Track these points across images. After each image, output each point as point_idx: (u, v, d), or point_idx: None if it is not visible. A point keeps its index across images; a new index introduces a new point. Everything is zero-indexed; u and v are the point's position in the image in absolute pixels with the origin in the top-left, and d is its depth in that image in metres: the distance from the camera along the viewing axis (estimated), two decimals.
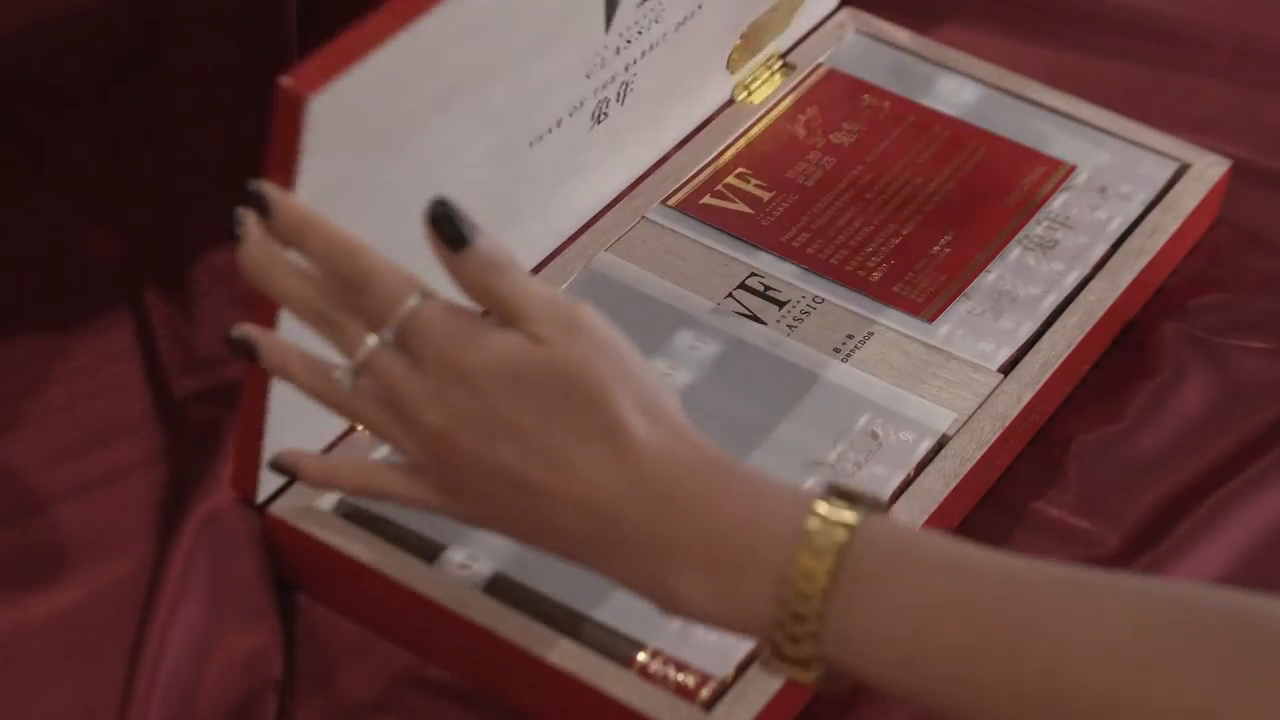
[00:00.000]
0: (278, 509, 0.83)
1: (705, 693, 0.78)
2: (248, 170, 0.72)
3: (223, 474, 0.85)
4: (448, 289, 0.68)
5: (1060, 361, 0.92)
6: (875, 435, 0.88)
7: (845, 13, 1.09)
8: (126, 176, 0.97)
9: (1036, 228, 0.98)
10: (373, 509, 0.83)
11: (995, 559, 0.63)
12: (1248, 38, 1.13)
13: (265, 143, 0.71)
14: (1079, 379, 0.95)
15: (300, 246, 0.69)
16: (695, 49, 0.98)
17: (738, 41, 1.02)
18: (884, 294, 0.94)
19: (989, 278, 0.96)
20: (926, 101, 1.05)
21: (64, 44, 0.95)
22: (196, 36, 0.96)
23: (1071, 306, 0.94)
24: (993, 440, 0.88)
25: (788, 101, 1.04)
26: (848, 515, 0.63)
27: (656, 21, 0.91)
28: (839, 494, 0.64)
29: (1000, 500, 0.90)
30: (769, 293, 0.94)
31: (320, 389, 0.70)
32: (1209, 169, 1.01)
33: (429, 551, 0.82)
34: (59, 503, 0.86)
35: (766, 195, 0.99)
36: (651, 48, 0.93)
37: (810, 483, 0.85)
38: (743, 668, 0.79)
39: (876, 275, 0.95)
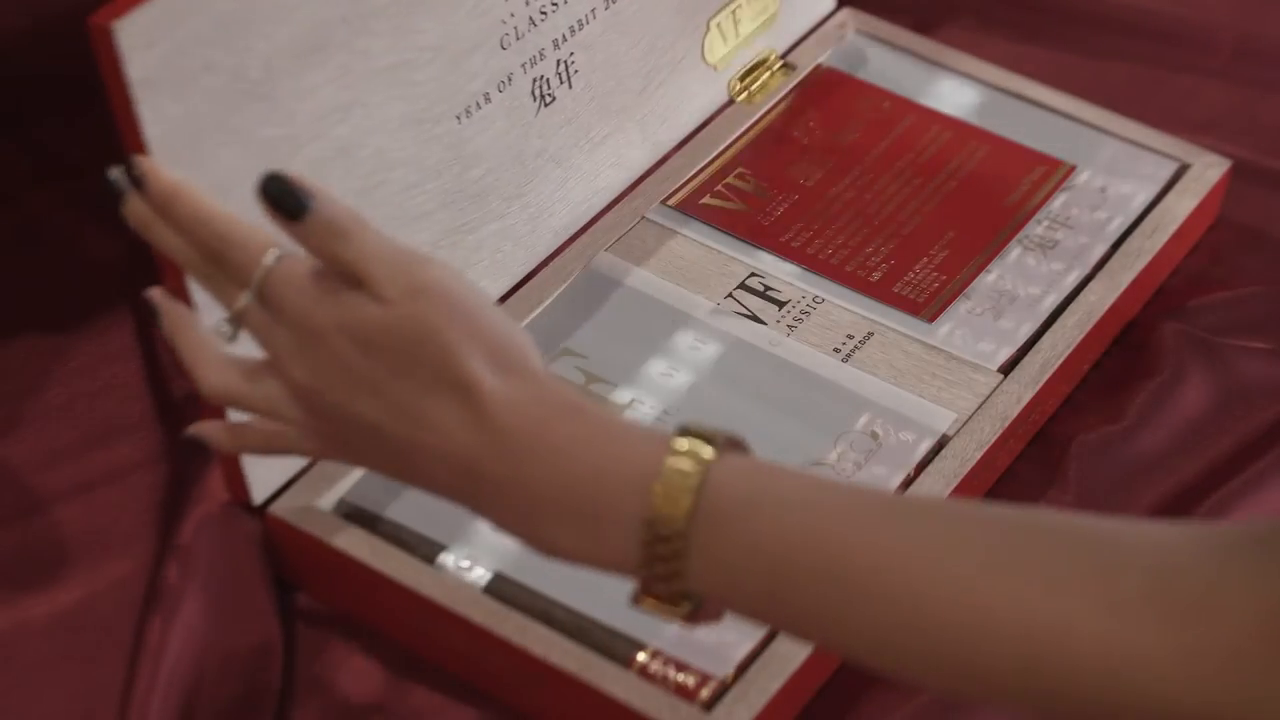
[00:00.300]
0: (278, 509, 0.83)
1: (705, 693, 0.78)
2: None
3: (222, 474, 0.85)
4: None
5: (1060, 362, 0.92)
6: (875, 435, 0.88)
7: (845, 13, 1.09)
8: None
9: (1036, 228, 0.98)
10: (373, 509, 0.83)
11: (853, 492, 0.63)
12: (1247, 38, 1.13)
13: None
14: (1079, 379, 0.95)
15: (168, 217, 0.69)
16: (646, 32, 0.97)
17: (709, 30, 1.01)
18: (884, 294, 0.94)
19: (989, 278, 0.96)
20: (926, 101, 1.05)
21: (64, 44, 0.95)
22: None
23: (1071, 306, 0.94)
24: (993, 440, 0.88)
25: (787, 101, 1.04)
26: (705, 452, 0.64)
27: None
28: (695, 434, 0.64)
29: (1000, 500, 0.90)
30: (769, 293, 0.94)
31: (206, 346, 0.70)
32: (1209, 169, 1.01)
33: (429, 551, 0.82)
34: (59, 503, 0.86)
35: (767, 195, 0.99)
36: (581, 24, 0.92)
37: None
38: (743, 668, 0.79)
39: (876, 275, 0.95)
